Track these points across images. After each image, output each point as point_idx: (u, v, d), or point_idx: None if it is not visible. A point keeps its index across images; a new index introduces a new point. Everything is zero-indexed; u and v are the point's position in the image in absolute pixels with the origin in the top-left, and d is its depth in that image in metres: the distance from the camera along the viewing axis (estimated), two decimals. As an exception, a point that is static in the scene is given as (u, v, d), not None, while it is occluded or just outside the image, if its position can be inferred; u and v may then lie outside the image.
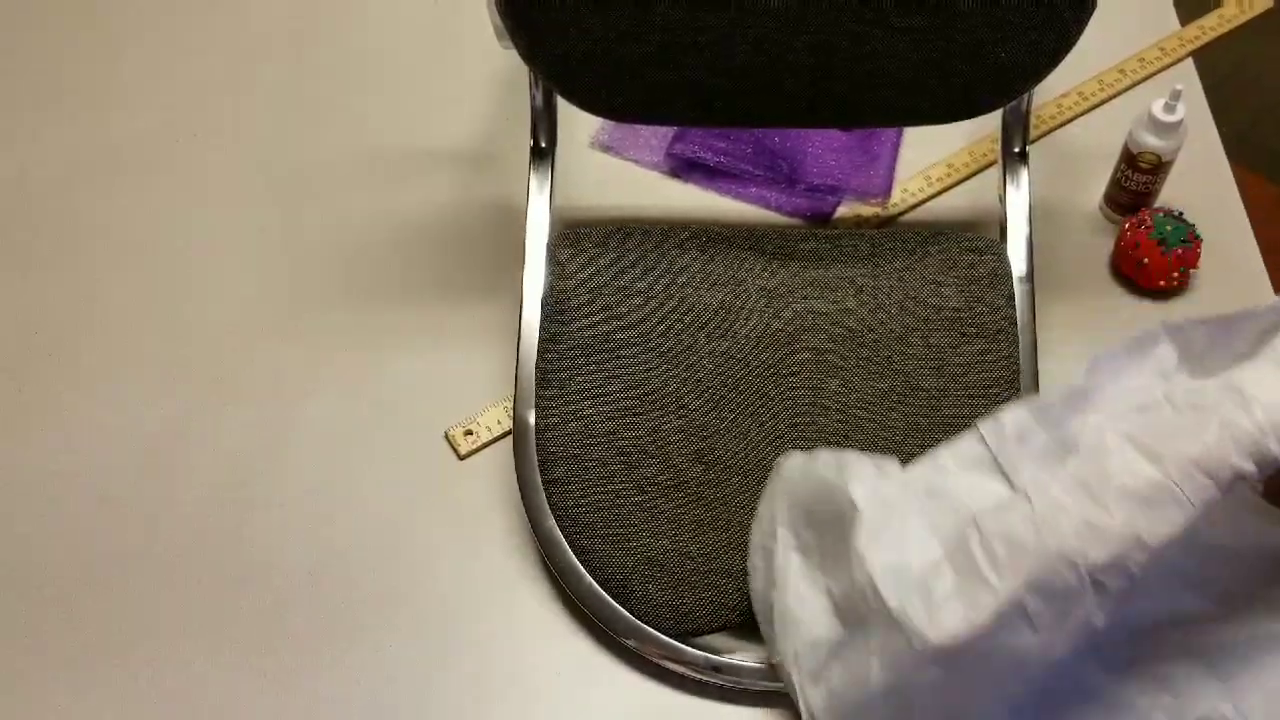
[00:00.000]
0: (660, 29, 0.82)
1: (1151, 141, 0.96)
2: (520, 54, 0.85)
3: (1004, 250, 0.94)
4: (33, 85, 1.15)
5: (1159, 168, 0.98)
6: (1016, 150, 0.96)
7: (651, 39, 0.83)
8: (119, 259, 1.03)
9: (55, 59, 1.16)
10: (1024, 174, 0.96)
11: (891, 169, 1.07)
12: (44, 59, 1.16)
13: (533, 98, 0.95)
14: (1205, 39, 1.14)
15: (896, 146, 1.08)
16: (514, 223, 1.01)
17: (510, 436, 0.90)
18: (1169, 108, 0.95)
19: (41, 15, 1.19)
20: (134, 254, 1.04)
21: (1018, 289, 0.92)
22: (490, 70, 1.14)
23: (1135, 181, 0.99)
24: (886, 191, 1.06)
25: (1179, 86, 0.95)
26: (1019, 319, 0.91)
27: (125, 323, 1.00)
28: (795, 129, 1.07)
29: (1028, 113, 0.96)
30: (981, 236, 0.95)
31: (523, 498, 0.86)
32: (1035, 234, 0.94)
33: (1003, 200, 0.96)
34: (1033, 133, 1.07)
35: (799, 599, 0.77)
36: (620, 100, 0.88)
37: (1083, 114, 1.11)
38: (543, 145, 0.96)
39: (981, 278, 0.92)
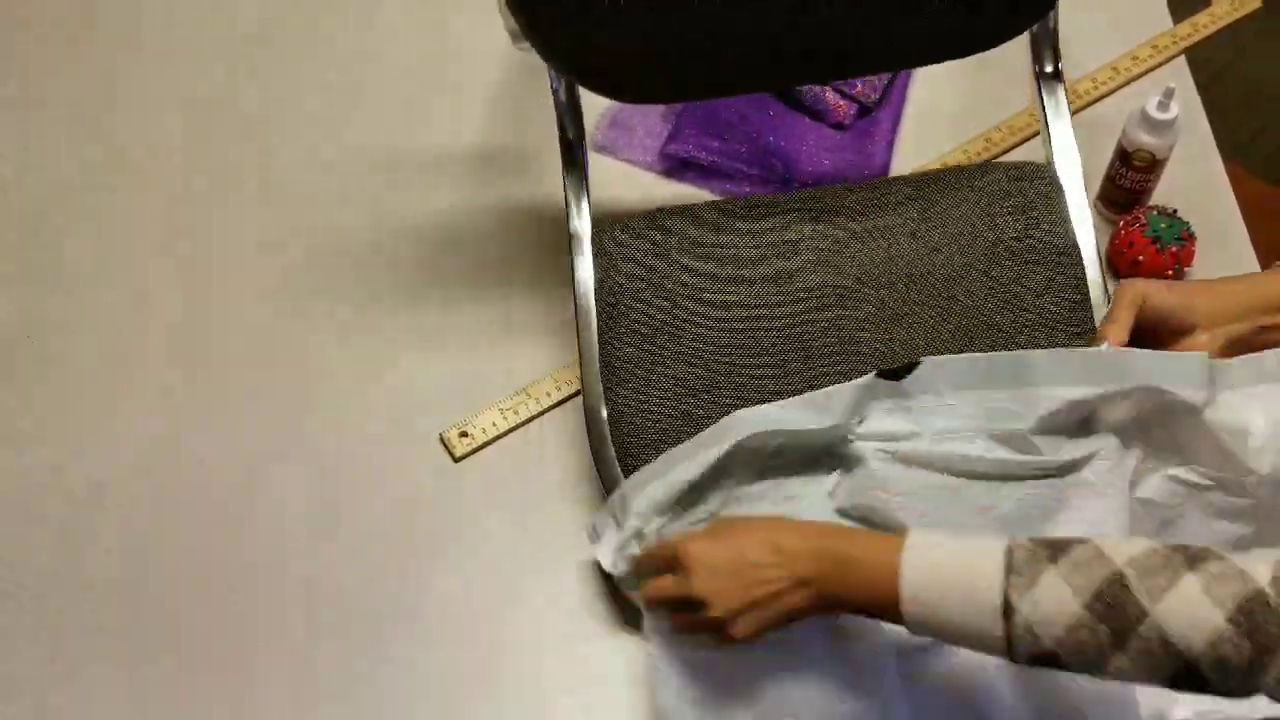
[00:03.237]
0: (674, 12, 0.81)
1: (1145, 139, 0.96)
2: (538, 52, 0.85)
3: (1053, 171, 0.91)
4: (32, 87, 1.14)
5: (1153, 165, 0.98)
6: (1049, 70, 0.94)
7: (672, 26, 0.81)
8: (119, 261, 1.03)
9: (55, 61, 1.15)
10: (1061, 92, 0.94)
11: (886, 167, 1.07)
12: (43, 62, 1.15)
13: (555, 91, 0.93)
14: (1198, 36, 1.14)
15: (891, 145, 1.08)
16: (509, 225, 1.01)
17: (507, 437, 0.91)
18: (1163, 105, 0.95)
19: (40, 18, 1.18)
20: (134, 257, 1.03)
21: (1074, 209, 0.89)
22: (492, 68, 1.13)
23: (1129, 179, 0.99)
24: (881, 190, 1.06)
25: (1172, 84, 0.95)
26: (1080, 238, 0.88)
27: (124, 326, 1.00)
28: (800, 116, 1.06)
29: (1055, 30, 0.94)
30: (1028, 162, 0.92)
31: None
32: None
33: (1044, 124, 0.93)
34: (1024, 132, 1.07)
35: None
36: (639, 84, 0.87)
37: (1076, 112, 1.10)
38: (570, 136, 0.94)
39: (1034, 202, 0.89)
